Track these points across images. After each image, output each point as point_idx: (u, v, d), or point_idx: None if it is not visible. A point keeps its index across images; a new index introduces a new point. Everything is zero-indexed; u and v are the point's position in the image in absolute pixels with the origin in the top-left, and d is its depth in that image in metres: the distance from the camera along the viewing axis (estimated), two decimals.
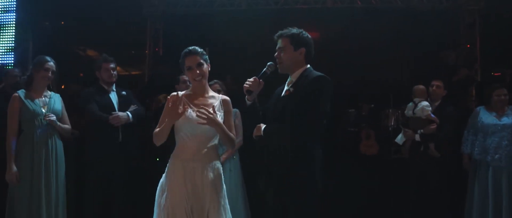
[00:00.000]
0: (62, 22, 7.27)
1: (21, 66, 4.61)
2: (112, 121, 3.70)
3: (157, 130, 2.48)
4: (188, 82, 4.19)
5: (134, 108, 3.91)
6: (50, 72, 3.48)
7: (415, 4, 6.86)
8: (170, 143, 2.58)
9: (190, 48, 2.53)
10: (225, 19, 6.95)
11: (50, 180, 3.39)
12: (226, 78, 4.95)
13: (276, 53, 2.58)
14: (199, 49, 2.53)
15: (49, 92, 3.57)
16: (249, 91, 2.44)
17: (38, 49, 5.21)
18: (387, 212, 4.59)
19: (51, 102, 3.52)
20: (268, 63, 2.55)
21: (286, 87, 2.61)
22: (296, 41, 2.55)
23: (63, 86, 5.79)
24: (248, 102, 2.46)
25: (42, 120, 3.42)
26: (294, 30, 2.58)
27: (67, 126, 3.61)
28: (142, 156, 4.30)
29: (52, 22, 6.90)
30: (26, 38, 4.77)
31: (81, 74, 7.25)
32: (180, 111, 2.36)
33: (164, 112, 2.52)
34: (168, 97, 2.54)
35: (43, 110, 3.44)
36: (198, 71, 2.50)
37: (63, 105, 3.62)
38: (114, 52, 4.32)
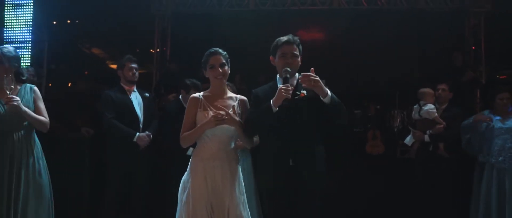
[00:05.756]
0: (69, 21, 7.33)
1: (37, 66, 4.67)
2: (139, 141, 3.77)
3: (186, 133, 2.57)
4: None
5: (154, 127, 3.96)
6: None
7: (421, 6, 6.89)
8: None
9: (215, 48, 2.64)
10: (233, 19, 7.00)
11: (13, 177, 2.92)
12: (235, 78, 4.97)
13: (290, 59, 2.59)
14: (223, 51, 2.64)
15: (19, 86, 3.05)
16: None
17: (52, 48, 5.29)
18: (392, 211, 4.62)
19: (20, 95, 3.00)
20: (289, 69, 2.56)
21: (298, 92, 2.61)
22: (300, 50, 2.66)
23: (69, 84, 5.87)
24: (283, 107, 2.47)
25: (4, 106, 2.92)
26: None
27: (41, 117, 3.05)
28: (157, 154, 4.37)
29: (60, 21, 6.95)
30: (42, 39, 4.84)
31: (86, 72, 7.32)
32: (221, 121, 2.45)
33: (187, 113, 2.60)
34: (190, 98, 2.64)
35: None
36: (220, 70, 2.59)
37: (39, 96, 3.10)
38: (122, 51, 4.34)
